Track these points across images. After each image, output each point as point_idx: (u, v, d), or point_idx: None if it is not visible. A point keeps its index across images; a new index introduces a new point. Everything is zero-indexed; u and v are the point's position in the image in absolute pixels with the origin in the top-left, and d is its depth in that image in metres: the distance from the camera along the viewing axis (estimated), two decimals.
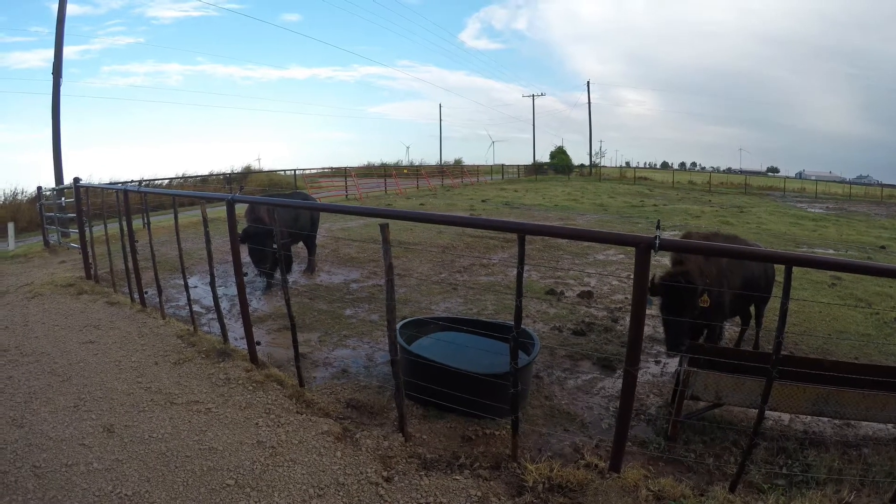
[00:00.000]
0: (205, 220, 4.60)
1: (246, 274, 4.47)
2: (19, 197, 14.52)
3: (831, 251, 12.38)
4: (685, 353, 3.89)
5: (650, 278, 4.08)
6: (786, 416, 3.95)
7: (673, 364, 4.75)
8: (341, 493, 2.76)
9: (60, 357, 4.69)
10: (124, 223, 5.91)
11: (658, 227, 2.81)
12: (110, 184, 6.82)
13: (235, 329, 5.60)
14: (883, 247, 13.00)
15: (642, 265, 2.61)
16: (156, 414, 3.71)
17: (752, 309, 5.22)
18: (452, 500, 2.67)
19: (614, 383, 4.47)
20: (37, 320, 5.74)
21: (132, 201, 6.05)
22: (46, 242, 10.70)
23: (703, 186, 37.66)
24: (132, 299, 6.25)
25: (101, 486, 2.90)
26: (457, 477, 2.88)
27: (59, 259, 9.40)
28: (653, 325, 5.23)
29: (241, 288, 4.41)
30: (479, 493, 2.72)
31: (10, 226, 11.63)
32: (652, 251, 2.57)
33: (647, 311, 3.49)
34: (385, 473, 2.91)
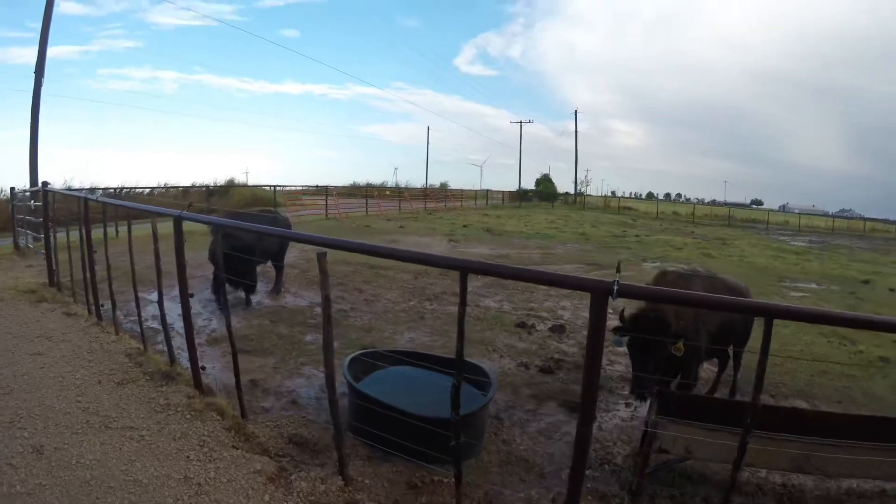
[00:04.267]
0: (154, 236, 4.40)
1: (192, 294, 4.23)
2: None
3: (814, 285, 12.16)
4: (653, 400, 3.60)
5: (620, 312, 3.85)
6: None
7: (644, 408, 4.48)
8: None
9: (6, 368, 4.45)
10: (83, 232, 5.69)
11: (618, 271, 2.55)
12: (73, 190, 6.58)
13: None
14: (866, 281, 12.82)
15: (598, 314, 2.35)
16: (88, 437, 3.46)
17: (730, 350, 4.94)
18: None
19: None
20: None
21: (97, 210, 5.85)
22: (17, 245, 10.42)
23: (686, 217, 37.77)
24: (89, 311, 6.01)
25: None
26: None
27: (27, 263, 9.13)
28: (625, 363, 4.98)
29: (185, 307, 4.18)
30: None
31: None
32: (609, 298, 2.32)
33: (620, 350, 3.27)
34: None
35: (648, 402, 3.81)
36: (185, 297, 4.18)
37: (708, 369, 5.25)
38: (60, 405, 3.87)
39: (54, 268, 7.22)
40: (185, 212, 4.13)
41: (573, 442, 3.85)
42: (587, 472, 3.56)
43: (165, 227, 4.54)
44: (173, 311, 5.85)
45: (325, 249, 3.04)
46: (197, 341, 5.62)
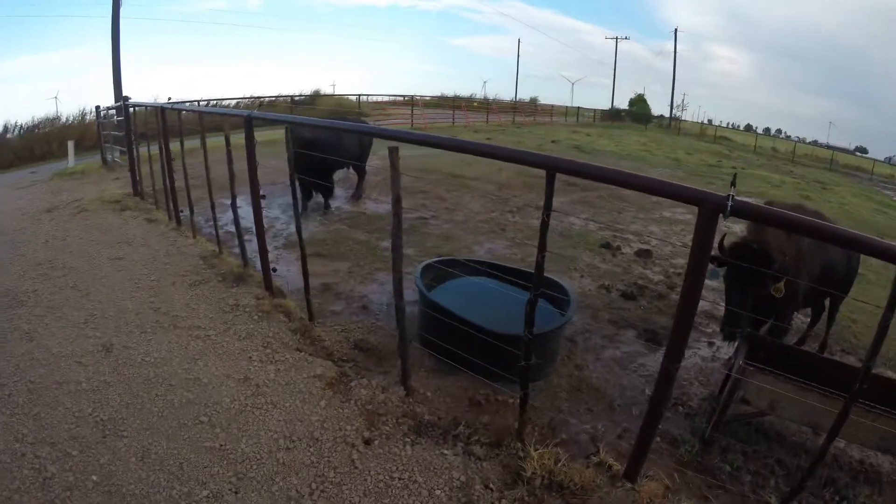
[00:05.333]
0: (227, 139, 4.32)
1: (263, 196, 4.17)
2: (87, 117, 15.05)
3: None
4: (742, 342, 3.20)
5: (720, 240, 3.36)
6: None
7: (728, 350, 4.02)
8: (311, 450, 2.44)
9: (87, 272, 4.66)
10: (162, 141, 5.75)
11: (732, 185, 2.08)
12: (151, 103, 6.66)
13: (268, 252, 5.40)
14: None
15: (705, 231, 1.96)
16: (156, 336, 3.56)
17: (825, 302, 4.33)
18: (429, 481, 2.27)
19: (657, 361, 3.89)
20: (76, 235, 5.78)
21: (191, 122, 5.90)
22: (104, 160, 10.93)
23: (786, 155, 33.99)
24: (169, 217, 6.19)
25: (82, 408, 2.77)
26: (445, 451, 2.46)
27: (114, 176, 9.57)
28: (713, 298, 4.54)
29: (256, 209, 4.15)
30: (462, 478, 2.29)
31: (70, 144, 12.05)
32: (720, 215, 1.91)
33: (711, 284, 2.85)
34: (367, 434, 2.55)
35: (736, 344, 3.42)
36: (256, 200, 4.13)
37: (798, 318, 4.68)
38: (133, 306, 3.99)
39: (137, 178, 7.47)
40: (254, 112, 4.02)
41: (654, 379, 3.56)
42: None
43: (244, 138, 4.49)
44: (249, 214, 5.96)
45: (396, 144, 2.77)
46: (273, 245, 5.72)
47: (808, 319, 4.58)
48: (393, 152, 2.70)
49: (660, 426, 3.09)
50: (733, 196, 1.85)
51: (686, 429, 3.13)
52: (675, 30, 45.42)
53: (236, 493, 2.22)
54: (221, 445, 2.47)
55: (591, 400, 3.29)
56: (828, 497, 2.74)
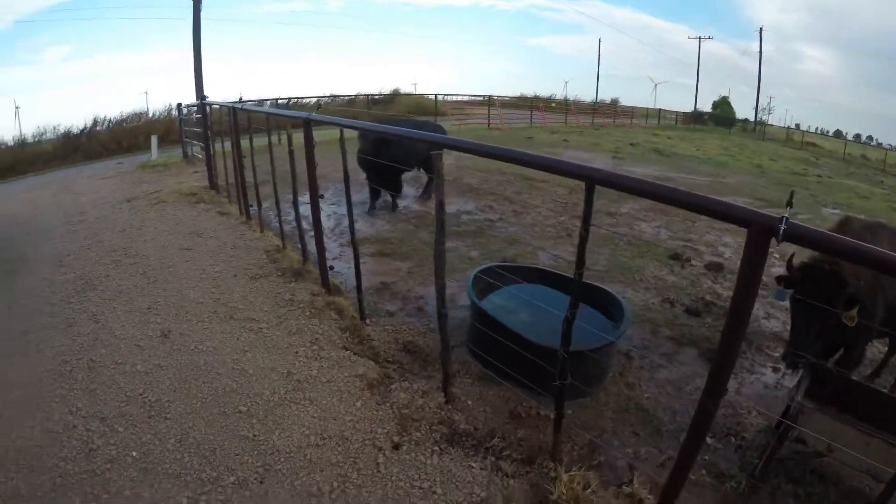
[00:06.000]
0: (289, 139, 4.46)
1: (322, 196, 4.27)
2: (173, 113, 16.10)
3: None
4: (804, 374, 2.89)
5: (789, 259, 3.09)
6: None
7: (793, 379, 3.70)
8: (339, 450, 2.43)
9: (157, 261, 4.94)
10: (234, 138, 6.04)
11: (789, 204, 1.83)
12: (224, 102, 7.00)
13: (332, 249, 5.51)
14: None
15: (756, 256, 1.75)
16: (212, 326, 3.71)
17: None
18: (448, 494, 2.19)
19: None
20: (151, 225, 6.16)
21: (261, 121, 6.17)
22: (185, 154, 11.68)
23: (877, 164, 30.86)
24: (240, 211, 6.47)
25: (134, 388, 2.93)
26: (473, 464, 2.37)
27: (193, 170, 10.15)
28: (783, 319, 4.17)
29: (314, 208, 4.25)
30: (483, 494, 2.19)
31: (154, 138, 12.99)
32: (773, 239, 1.70)
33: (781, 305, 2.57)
34: (396, 438, 2.51)
35: (799, 375, 3.11)
36: (314, 199, 4.23)
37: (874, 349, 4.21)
38: (195, 295, 4.18)
39: (214, 172, 7.88)
40: (313, 114, 4.10)
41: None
42: (709, 439, 3.04)
43: (325, 135, 4.61)
44: (325, 212, 6.10)
45: (441, 150, 2.73)
46: (339, 242, 5.85)
47: (886, 349, 4.14)
48: (437, 158, 2.63)
49: (706, 457, 2.87)
50: (787, 218, 1.64)
51: (735, 462, 2.87)
52: (760, 29, 42.79)
53: (261, 482, 2.26)
54: (255, 436, 2.52)
55: (638, 422, 3.08)
56: None
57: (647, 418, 3.14)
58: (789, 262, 3.01)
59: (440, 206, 2.70)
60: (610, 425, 3.02)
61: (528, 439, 2.66)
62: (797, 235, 1.65)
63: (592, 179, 2.09)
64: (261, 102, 14.90)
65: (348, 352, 3.40)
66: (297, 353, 3.35)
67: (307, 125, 3.98)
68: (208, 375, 3.05)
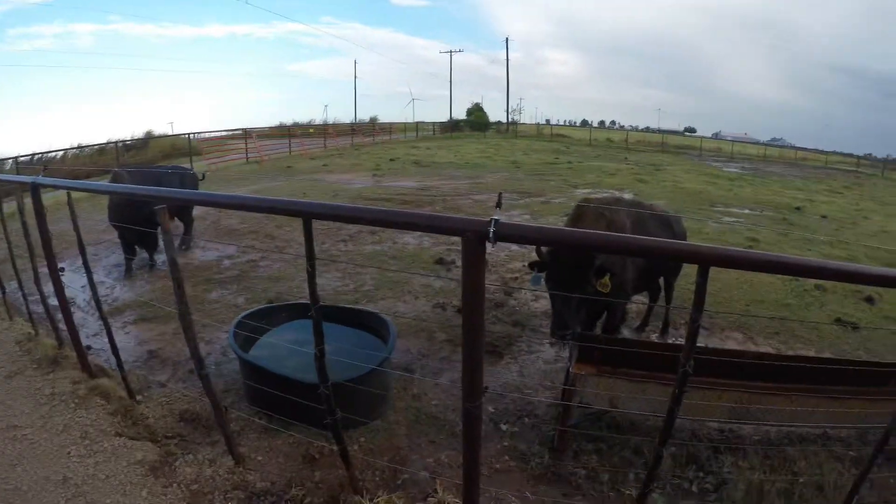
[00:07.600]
0: (19, 207, 3.93)
1: (62, 269, 3.78)
2: None
3: (747, 210, 12.33)
4: (573, 347, 3.27)
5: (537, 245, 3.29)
6: None
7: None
8: None
9: None
10: None
11: (498, 206, 2.04)
12: None
13: (91, 325, 4.94)
14: (798, 208, 13.03)
15: (473, 261, 1.81)
16: None
17: (661, 281, 4.69)
18: None
19: (501, 373, 4.02)
20: None
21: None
22: None
23: (620, 144, 37.41)
24: None
25: None
26: None
27: None
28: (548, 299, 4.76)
29: (56, 283, 3.72)
30: None
31: None
32: (487, 243, 1.76)
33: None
34: None
35: (569, 347, 3.53)
36: (54, 273, 3.72)
37: (639, 302, 5.09)
38: None
39: None
40: (39, 177, 3.61)
41: (499, 392, 3.55)
42: (503, 427, 3.34)
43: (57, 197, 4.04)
44: (77, 283, 5.38)
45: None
46: (96, 315, 5.22)
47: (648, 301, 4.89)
48: (161, 213, 2.51)
49: (505, 443, 3.18)
50: (496, 220, 1.69)
51: (534, 440, 3.17)
52: (507, 39, 49.27)
53: None
54: None
55: (432, 431, 3.31)
56: (691, 475, 2.86)
57: (440, 424, 3.37)
58: (538, 248, 3.36)
59: (174, 265, 2.57)
60: (405, 441, 3.20)
61: (326, 480, 2.73)
62: (508, 235, 1.74)
63: (308, 214, 2.10)
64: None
65: (122, 437, 3.09)
66: (69, 453, 2.96)
67: (34, 190, 3.51)
68: None
